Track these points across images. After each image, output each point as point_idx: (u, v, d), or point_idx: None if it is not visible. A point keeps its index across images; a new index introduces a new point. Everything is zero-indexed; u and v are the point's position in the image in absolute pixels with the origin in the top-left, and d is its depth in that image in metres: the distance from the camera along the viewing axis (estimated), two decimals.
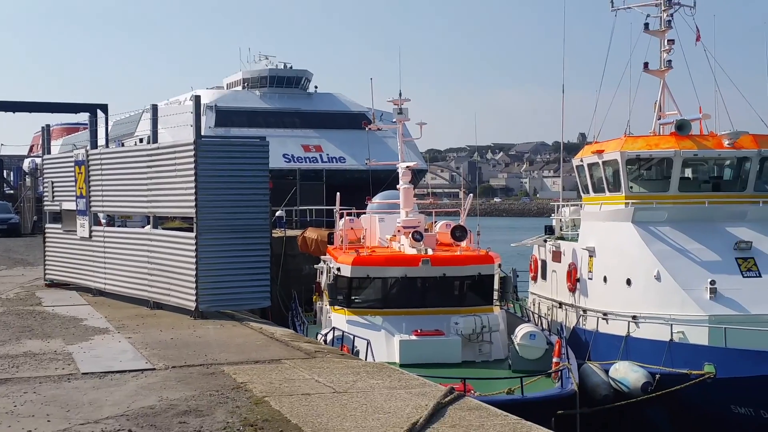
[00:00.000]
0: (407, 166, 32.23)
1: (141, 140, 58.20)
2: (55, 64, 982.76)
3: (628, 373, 24.33)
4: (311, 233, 38.98)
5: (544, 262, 34.87)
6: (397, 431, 8.47)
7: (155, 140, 21.02)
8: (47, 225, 25.64)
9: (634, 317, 26.33)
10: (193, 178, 17.19)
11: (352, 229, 32.65)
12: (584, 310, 29.32)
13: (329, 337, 25.25)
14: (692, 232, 27.04)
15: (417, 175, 57.85)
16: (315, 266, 35.83)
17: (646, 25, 32.31)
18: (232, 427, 9.02)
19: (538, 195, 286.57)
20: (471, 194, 35.45)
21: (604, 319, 27.74)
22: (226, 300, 18.05)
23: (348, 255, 28.11)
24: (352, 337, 24.78)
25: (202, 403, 10.14)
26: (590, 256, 29.42)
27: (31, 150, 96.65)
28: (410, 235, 28.11)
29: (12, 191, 79.15)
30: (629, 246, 27.60)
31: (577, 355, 26.50)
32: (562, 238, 33.80)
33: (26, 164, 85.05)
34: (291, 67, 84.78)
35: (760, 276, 25.65)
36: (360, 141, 61.85)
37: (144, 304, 19.59)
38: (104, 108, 54.62)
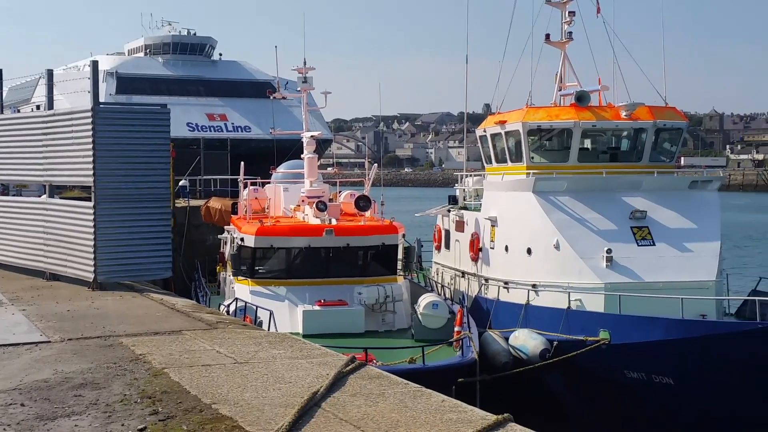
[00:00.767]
0: (312, 136, 32.09)
1: (38, 107, 56.55)
2: None
3: (527, 341, 24.76)
4: (215, 203, 38.61)
5: (447, 232, 35.15)
6: (298, 401, 8.44)
7: (51, 107, 20.41)
8: None
9: (533, 286, 26.73)
10: (90, 146, 16.79)
11: (256, 199, 32.45)
12: (486, 279, 29.69)
13: (232, 308, 25.07)
14: (590, 202, 27.47)
15: (322, 145, 57.71)
16: (219, 236, 35.53)
17: None
18: (129, 400, 8.90)
19: (443, 165, 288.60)
20: (375, 164, 35.42)
21: (505, 287, 28.13)
22: (126, 271, 17.74)
23: (251, 225, 27.93)
24: (255, 307, 24.66)
25: (99, 376, 9.97)
26: (492, 226, 29.72)
27: None
28: (314, 205, 28.05)
29: None
30: (530, 216, 27.92)
31: (478, 323, 26.86)
32: (465, 208, 34.03)
33: None
34: (195, 34, 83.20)
35: (653, 244, 26.29)
36: (265, 110, 61.17)
37: (40, 276, 19.12)
38: None
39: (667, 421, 23.71)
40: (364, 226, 28.14)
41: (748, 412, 22.48)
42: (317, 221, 27.80)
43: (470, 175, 36.19)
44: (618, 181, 28.51)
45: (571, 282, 25.79)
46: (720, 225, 27.41)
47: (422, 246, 38.88)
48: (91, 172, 16.85)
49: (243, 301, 25.26)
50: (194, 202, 44.26)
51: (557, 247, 26.62)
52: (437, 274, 35.85)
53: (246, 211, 30.58)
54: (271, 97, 37.82)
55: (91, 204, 17.11)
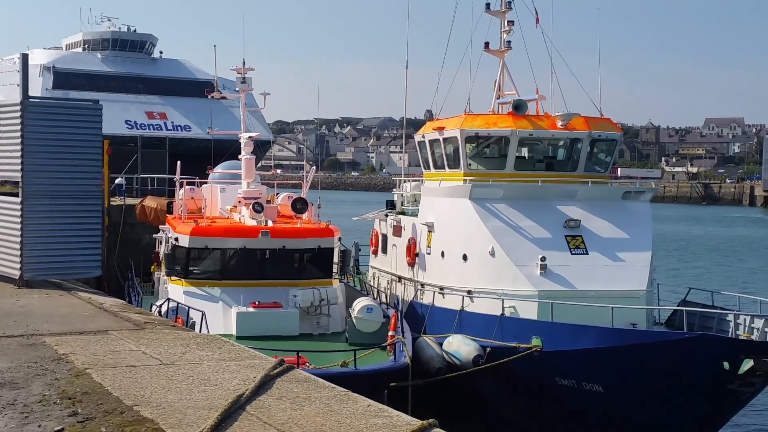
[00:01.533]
0: (249, 137, 31.82)
1: None
2: None
3: (460, 347, 24.81)
4: (150, 202, 38.14)
5: (384, 237, 35.10)
6: (222, 403, 8.29)
7: None
8: None
9: (468, 292, 26.82)
10: (19, 141, 16.41)
11: (192, 198, 32.14)
12: (422, 285, 29.70)
13: (164, 308, 24.73)
14: (526, 210, 27.62)
15: (263, 147, 57.26)
16: (154, 236, 35.08)
17: (488, 5, 32.71)
18: (48, 400, 8.65)
19: (384, 170, 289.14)
20: (314, 167, 35.31)
21: (440, 293, 28.16)
22: (54, 268, 17.37)
23: (186, 225, 27.65)
24: (187, 308, 24.36)
25: (19, 376, 9.69)
26: (429, 231, 29.76)
27: None
28: (251, 207, 27.86)
29: None
30: (466, 222, 27.99)
31: (413, 328, 26.85)
32: (403, 213, 34.00)
33: None
34: (135, 31, 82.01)
35: (587, 253, 26.55)
36: (206, 109, 60.47)
37: None
38: None
39: (595, 427, 23.92)
40: (300, 228, 27.97)
41: (674, 419, 22.78)
42: (253, 222, 27.59)
43: (408, 181, 36.20)
44: (553, 190, 28.73)
45: (505, 289, 25.91)
46: (651, 235, 27.75)
47: (359, 250, 38.87)
48: (19, 167, 16.48)
49: (175, 301, 24.94)
50: (130, 201, 43.63)
51: (492, 253, 26.71)
52: (374, 279, 35.77)
53: (181, 211, 30.23)
54: (210, 97, 37.44)
55: (18, 200, 16.73)
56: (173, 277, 27.12)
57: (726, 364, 21.29)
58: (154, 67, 78.15)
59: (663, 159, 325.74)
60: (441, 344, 25.57)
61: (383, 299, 30.26)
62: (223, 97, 39.89)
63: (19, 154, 16.46)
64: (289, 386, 9.37)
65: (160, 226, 33.64)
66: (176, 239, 27.38)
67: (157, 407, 8.41)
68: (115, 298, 18.96)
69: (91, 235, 17.64)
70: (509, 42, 32.60)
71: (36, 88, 60.83)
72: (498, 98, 32.64)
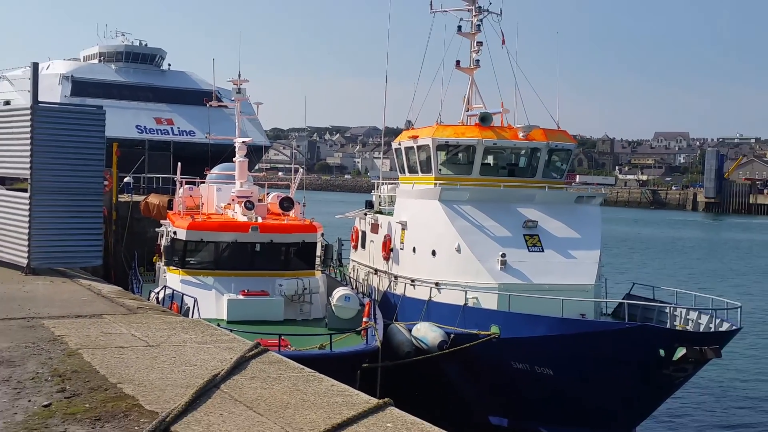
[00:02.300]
0: (243, 142, 31.83)
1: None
2: None
3: (427, 333, 24.77)
4: (153, 199, 37.98)
5: (364, 233, 35.07)
6: (198, 381, 8.19)
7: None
8: None
9: (436, 284, 26.80)
10: (29, 141, 16.27)
11: (191, 196, 32.08)
12: (395, 277, 29.67)
13: (161, 295, 24.62)
14: (489, 211, 27.65)
15: (259, 151, 57.34)
16: (156, 229, 34.95)
17: (459, 27, 32.74)
18: (40, 377, 8.52)
19: (368, 173, 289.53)
20: (301, 169, 35.32)
21: (411, 284, 28.14)
22: (58, 257, 17.19)
23: (184, 220, 27.60)
24: (182, 295, 24.31)
25: (16, 354, 9.54)
26: (403, 229, 29.74)
27: None
28: (243, 204, 27.85)
29: None
30: (435, 221, 27.98)
31: (386, 316, 26.82)
32: (380, 212, 33.97)
33: None
34: (146, 45, 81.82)
35: (542, 251, 26.59)
36: (210, 117, 60.90)
37: None
38: None
39: (546, 407, 23.95)
40: (286, 224, 27.99)
41: (615, 399, 22.84)
42: (245, 219, 27.57)
43: (385, 183, 36.22)
44: (514, 194, 28.74)
45: (469, 281, 25.91)
46: (600, 235, 27.83)
47: (342, 245, 38.83)
48: (29, 166, 16.33)
49: (171, 288, 24.85)
50: (137, 198, 43.46)
51: (458, 250, 26.73)
52: (354, 271, 35.72)
53: (180, 208, 30.12)
54: (208, 105, 37.35)
55: (27, 195, 16.58)
56: (171, 267, 26.99)
57: (662, 352, 21.39)
58: (163, 78, 77.90)
59: (617, 168, 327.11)
60: (410, 330, 25.53)
61: (360, 289, 30.24)
62: (224, 106, 39.76)
63: (28, 153, 16.30)
64: (262, 367, 9.27)
65: (161, 221, 33.50)
66: (175, 233, 27.28)
67: (138, 385, 8.30)
68: (116, 285, 18.78)
69: (92, 228, 17.46)
70: (478, 60, 32.63)
71: (56, 95, 60.71)
72: (467, 111, 32.64)
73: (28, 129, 16.26)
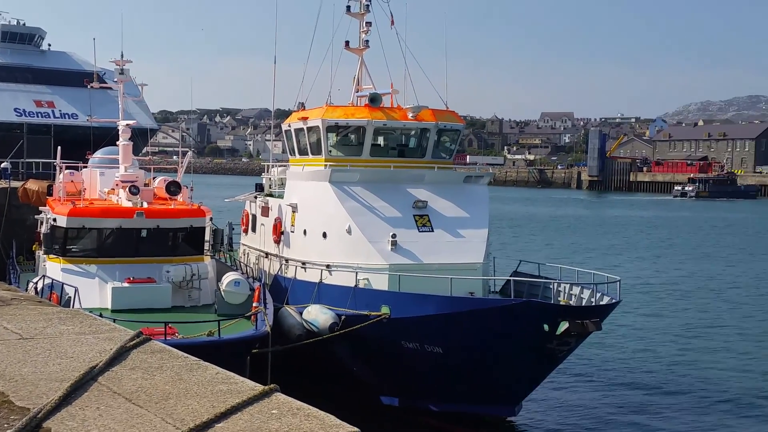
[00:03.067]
0: (127, 124, 30.85)
1: None
2: None
3: (318, 315, 24.66)
4: (32, 185, 36.57)
5: (254, 217, 34.64)
6: (74, 374, 7.83)
7: None
8: None
9: (327, 266, 26.68)
10: None
11: (72, 182, 30.95)
12: (286, 260, 29.40)
13: (40, 285, 23.71)
14: (379, 192, 27.66)
15: (143, 135, 55.77)
16: (35, 216, 33.67)
17: (348, 7, 32.50)
18: None
19: (260, 156, 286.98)
20: (189, 152, 34.59)
21: (302, 267, 27.92)
22: None
23: (64, 206, 26.64)
24: (61, 284, 23.45)
25: None
26: (293, 212, 29.46)
27: None
28: (127, 189, 27.04)
29: None
30: (326, 203, 27.83)
31: (277, 299, 26.59)
32: (271, 195, 33.57)
33: None
34: (24, 24, 78.41)
35: (432, 231, 26.76)
36: (94, 99, 58.90)
37: None
38: None
39: (436, 385, 24.22)
40: (173, 209, 27.35)
41: (503, 374, 23.29)
42: (129, 204, 26.79)
43: (276, 166, 35.81)
44: (404, 174, 28.84)
45: (359, 263, 25.88)
46: (488, 215, 28.20)
47: (233, 229, 38.29)
48: None
49: (50, 278, 23.96)
50: (15, 184, 41.76)
51: (349, 231, 26.65)
52: (244, 255, 35.27)
53: (61, 193, 29.06)
54: (89, 87, 36.06)
55: None
56: (51, 255, 26.04)
57: (546, 326, 21.92)
58: (43, 59, 74.88)
59: (505, 147, 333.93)
60: (301, 314, 25.36)
61: (251, 274, 29.88)
62: (107, 87, 38.48)
63: None
64: (143, 357, 8.92)
65: (40, 208, 32.27)
66: (54, 219, 26.33)
67: (9, 380, 7.85)
68: None
69: None
70: (367, 41, 32.52)
71: None
72: (356, 92, 32.50)
73: None
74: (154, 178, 31.68)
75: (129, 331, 10.66)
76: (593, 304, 23.83)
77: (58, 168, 32.30)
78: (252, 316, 23.01)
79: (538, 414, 26.45)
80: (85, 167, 32.94)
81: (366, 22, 32.46)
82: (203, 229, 27.59)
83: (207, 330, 21.30)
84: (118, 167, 30.09)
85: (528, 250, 68.16)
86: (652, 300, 48.68)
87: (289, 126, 31.89)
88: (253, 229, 34.68)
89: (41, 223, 31.28)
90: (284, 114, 50.18)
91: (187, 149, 35.97)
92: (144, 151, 46.01)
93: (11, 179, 44.78)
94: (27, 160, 52.19)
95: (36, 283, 24.62)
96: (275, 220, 30.90)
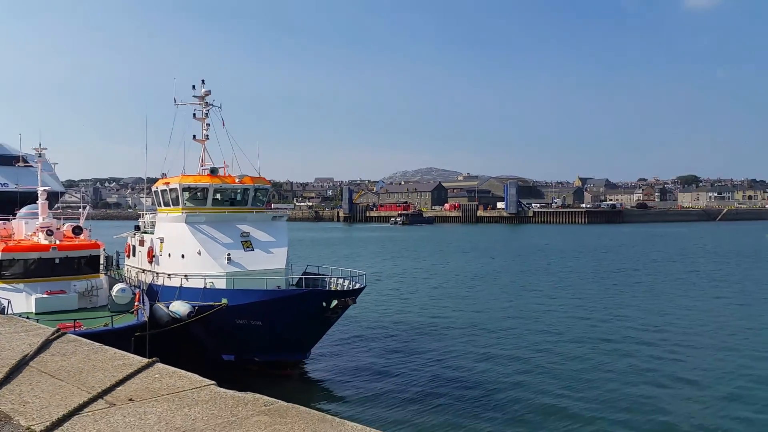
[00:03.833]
0: (44, 189, 27.57)
1: None
2: None
3: (180, 307, 23.20)
4: None
5: (134, 246, 31.97)
6: (11, 362, 6.90)
7: None
8: None
9: (185, 276, 25.26)
10: None
11: (5, 228, 27.33)
12: (157, 273, 27.43)
13: None
14: (219, 228, 26.69)
15: (55, 196, 50.05)
16: None
17: (194, 114, 31.24)
18: None
19: (137, 207, 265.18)
20: (88, 207, 31.45)
21: (168, 277, 26.19)
22: None
23: (0, 245, 23.27)
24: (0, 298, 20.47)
25: None
26: (161, 242, 27.63)
27: None
28: (45, 232, 24.09)
29: None
30: (183, 236, 26.43)
31: (151, 299, 24.67)
32: (145, 232, 31.20)
33: None
34: None
35: (253, 250, 26.16)
36: (20, 173, 52.07)
37: None
38: None
39: (258, 344, 23.59)
40: (77, 244, 24.69)
41: (301, 334, 23.16)
42: (47, 242, 23.82)
43: (148, 213, 33.43)
44: (234, 217, 27.96)
45: (207, 273, 24.73)
46: (287, 238, 27.95)
47: (120, 255, 35.18)
48: None
49: None
50: None
51: (199, 253, 25.45)
52: (128, 272, 32.39)
53: None
54: (17, 165, 31.85)
55: None
56: None
57: (324, 304, 22.09)
58: None
59: (294, 198, 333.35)
60: (168, 307, 23.73)
61: (133, 284, 27.53)
62: (29, 166, 34.20)
63: None
64: (62, 345, 8.03)
65: None
66: None
67: None
68: None
69: None
70: (207, 135, 31.30)
71: None
72: (202, 166, 31.16)
73: None
74: (63, 224, 28.42)
75: (50, 328, 9.54)
76: (351, 288, 24.26)
77: None
78: (134, 311, 21.26)
79: (321, 357, 26.43)
80: (14, 219, 29.04)
81: (206, 124, 31.30)
82: (99, 256, 25.11)
83: (104, 322, 19.43)
84: (38, 218, 26.82)
85: (312, 258, 68.11)
86: (387, 284, 49.80)
87: (158, 188, 29.94)
88: (134, 255, 32.01)
89: None
90: (152, 180, 46.90)
91: (85, 204, 32.79)
92: (56, 206, 41.17)
93: None
94: None
95: None
96: (149, 248, 28.77)
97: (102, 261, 25.89)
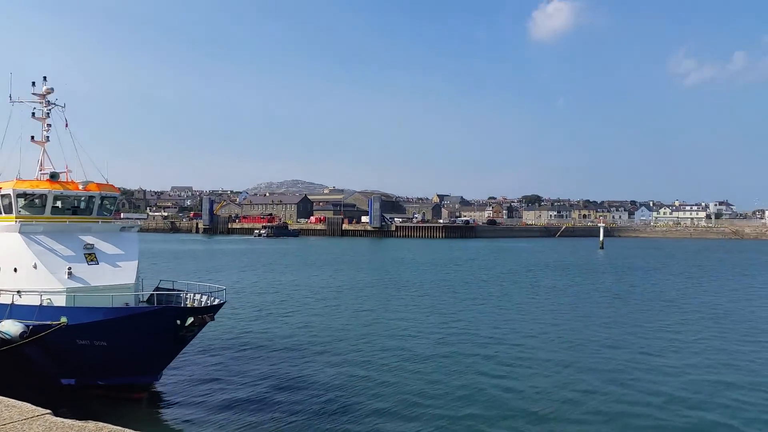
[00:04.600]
0: None
1: None
2: None
3: (10, 327, 20.94)
4: None
5: None
6: None
7: None
8: None
9: (18, 292, 22.80)
10: None
11: None
12: None
13: None
14: (59, 239, 24.53)
15: None
16: None
17: (33, 113, 28.37)
18: None
19: None
20: None
21: None
22: None
23: None
24: None
25: None
26: None
27: None
28: None
29: None
30: (17, 248, 23.92)
31: None
32: None
33: None
34: None
35: (98, 263, 24.40)
36: None
37: None
38: None
39: (102, 367, 21.98)
40: None
41: (153, 359, 21.95)
42: None
43: None
44: (77, 227, 25.85)
45: (44, 288, 22.57)
46: (138, 251, 26.43)
47: None
48: None
49: None
50: None
51: (35, 266, 23.17)
52: None
53: None
54: None
55: None
56: None
57: (178, 321, 21.23)
58: None
59: (148, 208, 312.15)
60: None
61: None
62: None
63: None
64: None
65: None
66: None
67: None
68: None
69: None
70: (48, 136, 28.54)
71: None
72: (40, 170, 28.33)
73: None
74: None
75: None
76: (209, 304, 23.55)
77: None
78: None
79: (174, 378, 25.26)
80: None
81: (47, 124, 28.57)
82: None
83: None
84: None
85: (167, 272, 64.53)
86: (249, 299, 49.03)
87: None
88: None
89: None
90: None
91: None
92: None
93: None
94: None
95: None
96: None
97: None
